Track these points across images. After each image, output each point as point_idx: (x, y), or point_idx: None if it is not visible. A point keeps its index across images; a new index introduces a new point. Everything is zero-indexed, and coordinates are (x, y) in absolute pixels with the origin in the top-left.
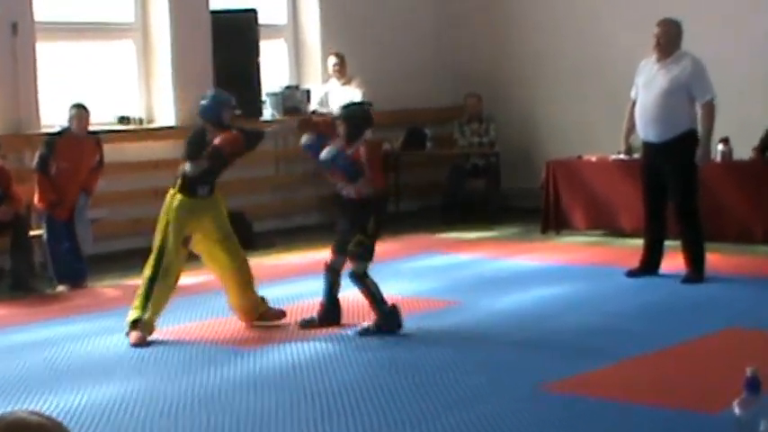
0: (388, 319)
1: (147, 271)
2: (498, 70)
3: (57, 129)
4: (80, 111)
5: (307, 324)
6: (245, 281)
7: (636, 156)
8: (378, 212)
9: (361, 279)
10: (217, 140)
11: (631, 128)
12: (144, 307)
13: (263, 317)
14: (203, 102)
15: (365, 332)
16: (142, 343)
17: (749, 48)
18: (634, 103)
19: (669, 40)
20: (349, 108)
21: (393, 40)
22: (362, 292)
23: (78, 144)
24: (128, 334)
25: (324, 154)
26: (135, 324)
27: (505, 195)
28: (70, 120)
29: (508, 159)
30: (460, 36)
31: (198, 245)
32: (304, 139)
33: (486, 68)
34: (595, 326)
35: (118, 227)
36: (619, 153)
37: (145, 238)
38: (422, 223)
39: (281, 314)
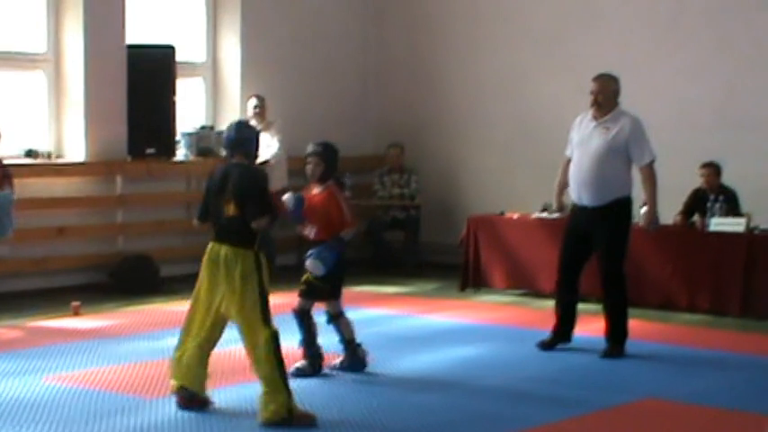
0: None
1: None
2: (423, 122)
3: None
4: None
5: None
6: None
7: (557, 215)
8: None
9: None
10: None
11: (564, 185)
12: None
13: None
14: (242, 134)
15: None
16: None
17: (673, 111)
18: (569, 161)
19: (607, 97)
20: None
21: (316, 84)
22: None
23: None
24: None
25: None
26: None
27: (424, 250)
28: None
29: (429, 213)
30: (385, 85)
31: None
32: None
33: (411, 119)
34: (512, 390)
35: (19, 265)
36: (543, 210)
37: (48, 278)
38: None
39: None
